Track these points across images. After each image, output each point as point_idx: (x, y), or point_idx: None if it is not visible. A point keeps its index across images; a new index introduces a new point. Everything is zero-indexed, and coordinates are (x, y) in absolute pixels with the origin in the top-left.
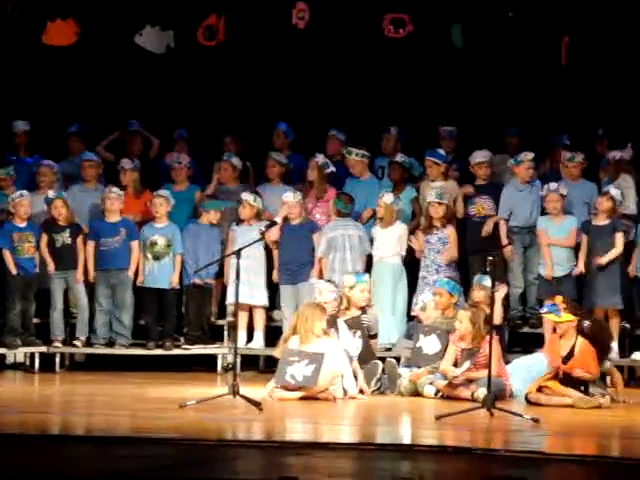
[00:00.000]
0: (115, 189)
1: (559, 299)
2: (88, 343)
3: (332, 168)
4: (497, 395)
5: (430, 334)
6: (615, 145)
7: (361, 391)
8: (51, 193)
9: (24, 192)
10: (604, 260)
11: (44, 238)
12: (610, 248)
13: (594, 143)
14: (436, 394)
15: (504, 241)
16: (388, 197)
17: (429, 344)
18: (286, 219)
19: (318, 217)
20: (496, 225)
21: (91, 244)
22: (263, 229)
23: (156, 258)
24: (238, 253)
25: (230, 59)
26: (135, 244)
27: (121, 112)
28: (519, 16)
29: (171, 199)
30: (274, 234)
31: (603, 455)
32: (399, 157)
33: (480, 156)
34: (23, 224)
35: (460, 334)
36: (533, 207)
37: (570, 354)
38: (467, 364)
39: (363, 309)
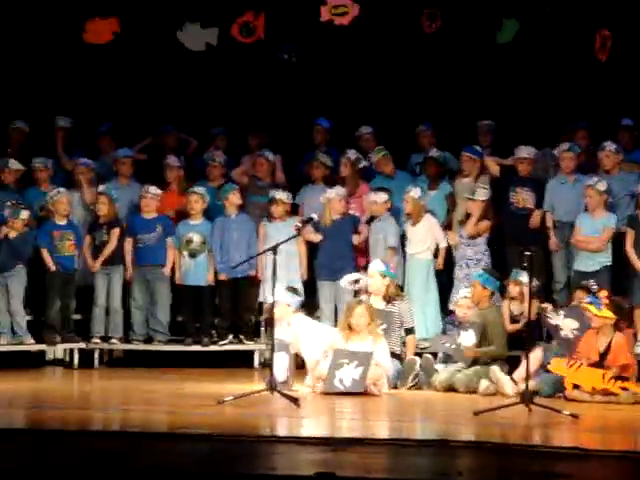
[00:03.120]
0: (152, 188)
1: (604, 293)
2: (126, 339)
3: (365, 163)
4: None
5: (467, 329)
6: None
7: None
8: (102, 188)
9: (61, 189)
10: None
11: (87, 237)
12: None
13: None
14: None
15: (551, 234)
16: (415, 192)
17: (466, 339)
18: (326, 216)
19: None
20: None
21: (129, 241)
22: (299, 225)
23: (192, 255)
24: (274, 249)
25: (268, 56)
26: (170, 241)
27: (157, 110)
28: (555, 10)
29: (206, 196)
30: (311, 232)
31: None
32: (433, 152)
33: (524, 152)
34: (63, 222)
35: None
36: (576, 201)
37: (607, 351)
38: None
39: (389, 301)
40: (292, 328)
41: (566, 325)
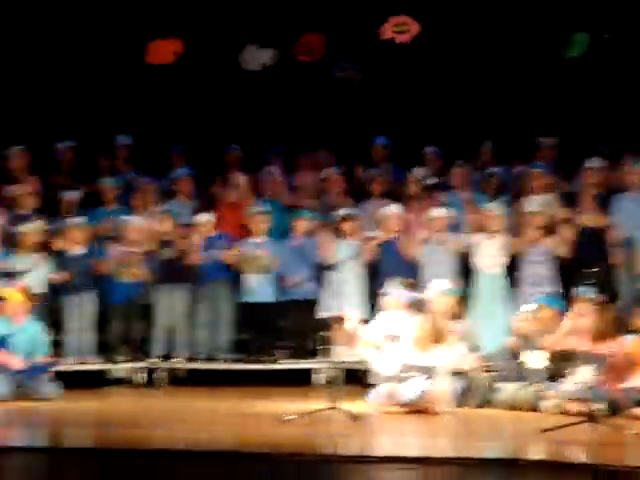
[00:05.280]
0: (205, 216)
1: None
2: (189, 358)
3: (433, 180)
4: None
5: (535, 350)
6: None
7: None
8: (165, 206)
9: (129, 218)
10: None
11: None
12: None
13: None
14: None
15: (616, 250)
16: (495, 207)
17: (534, 359)
18: (386, 233)
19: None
20: (602, 234)
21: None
22: (361, 243)
23: (255, 272)
24: (335, 267)
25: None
26: (231, 257)
27: (217, 129)
28: (614, 34)
29: (270, 215)
30: (372, 249)
31: None
32: (493, 169)
33: (593, 163)
34: (135, 247)
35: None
36: None
37: None
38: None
39: (455, 318)
40: (396, 322)
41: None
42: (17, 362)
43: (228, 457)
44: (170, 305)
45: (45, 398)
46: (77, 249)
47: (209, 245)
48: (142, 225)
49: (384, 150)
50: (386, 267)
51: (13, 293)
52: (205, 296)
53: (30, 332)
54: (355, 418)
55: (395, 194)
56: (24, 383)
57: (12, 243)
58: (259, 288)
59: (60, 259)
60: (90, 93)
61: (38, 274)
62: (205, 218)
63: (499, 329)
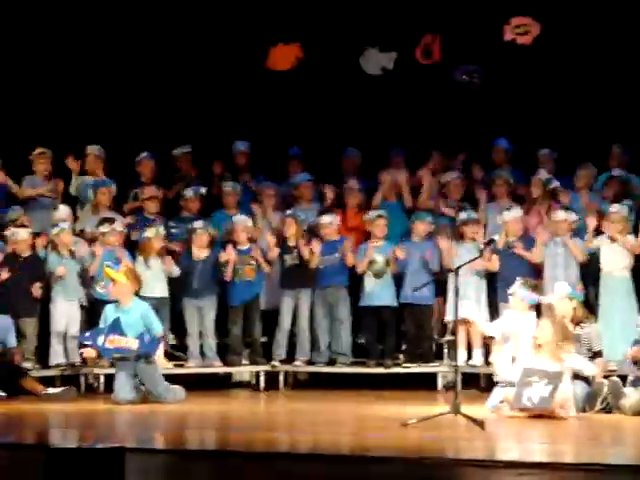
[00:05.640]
0: (328, 217)
1: None
2: (310, 362)
3: (556, 183)
4: None
5: None
6: None
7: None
8: (289, 210)
9: (241, 217)
10: None
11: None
12: None
13: None
14: None
15: None
16: (623, 209)
17: None
18: (508, 236)
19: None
20: None
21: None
22: (482, 246)
23: (376, 276)
24: (457, 270)
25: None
26: (353, 261)
27: (337, 133)
28: None
29: (388, 219)
30: (493, 252)
31: None
32: (616, 172)
33: None
34: (244, 247)
35: None
36: None
37: None
38: None
39: (577, 323)
40: (519, 323)
41: None
42: (132, 342)
43: (350, 460)
44: (292, 309)
45: (168, 402)
46: (201, 253)
47: (329, 249)
48: (250, 225)
49: (505, 152)
50: (507, 271)
51: (119, 275)
52: (325, 300)
53: (139, 311)
54: (477, 423)
55: (516, 196)
56: (144, 382)
57: (136, 247)
58: (379, 292)
59: (184, 263)
60: (209, 99)
61: (161, 278)
62: (328, 219)
63: (625, 333)
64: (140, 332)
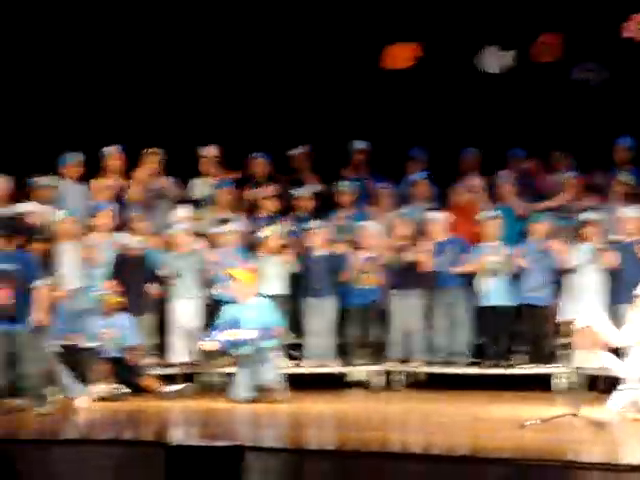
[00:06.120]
0: (436, 215)
1: None
2: (427, 362)
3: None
4: None
5: None
6: None
7: None
8: (403, 210)
9: (367, 223)
10: None
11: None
12: None
13: None
14: None
15: None
16: None
17: None
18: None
19: None
20: None
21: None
22: (599, 248)
23: (492, 275)
24: (574, 271)
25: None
26: (467, 268)
27: (456, 132)
28: None
29: (503, 220)
30: (611, 256)
31: None
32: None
33: None
34: (371, 254)
35: None
36: None
37: None
38: None
39: None
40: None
41: None
42: (249, 333)
43: (465, 461)
44: (407, 309)
45: (277, 399)
46: (319, 251)
47: (441, 249)
48: (379, 230)
49: (628, 151)
50: (627, 271)
51: (242, 273)
52: (441, 301)
53: (259, 308)
54: (598, 425)
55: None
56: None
57: (254, 246)
58: (495, 292)
59: (303, 261)
60: (327, 98)
61: (281, 275)
62: (437, 216)
63: None
64: (259, 326)
